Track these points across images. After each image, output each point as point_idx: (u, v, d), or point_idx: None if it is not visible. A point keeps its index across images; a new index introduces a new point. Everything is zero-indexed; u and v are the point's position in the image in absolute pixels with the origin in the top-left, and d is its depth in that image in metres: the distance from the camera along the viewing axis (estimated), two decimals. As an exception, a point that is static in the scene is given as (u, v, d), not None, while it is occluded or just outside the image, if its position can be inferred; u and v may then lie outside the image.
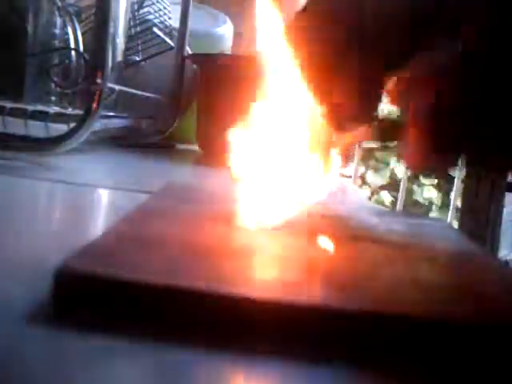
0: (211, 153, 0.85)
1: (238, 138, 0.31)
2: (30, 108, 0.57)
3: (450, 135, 0.26)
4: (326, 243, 0.30)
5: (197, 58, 0.89)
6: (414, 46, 0.26)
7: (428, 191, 2.62)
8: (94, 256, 0.23)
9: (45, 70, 0.65)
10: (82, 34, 0.69)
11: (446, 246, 0.35)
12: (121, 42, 0.77)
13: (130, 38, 0.84)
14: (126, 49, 0.82)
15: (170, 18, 0.90)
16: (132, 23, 0.86)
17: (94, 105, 0.53)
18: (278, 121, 0.32)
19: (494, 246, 1.27)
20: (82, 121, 0.54)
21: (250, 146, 0.31)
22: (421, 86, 0.27)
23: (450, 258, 0.32)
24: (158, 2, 0.89)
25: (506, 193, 1.28)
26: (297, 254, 0.28)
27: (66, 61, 0.67)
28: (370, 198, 2.32)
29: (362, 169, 2.44)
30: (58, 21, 0.67)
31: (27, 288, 0.22)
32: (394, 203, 2.46)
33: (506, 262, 1.21)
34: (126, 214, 0.31)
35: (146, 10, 0.89)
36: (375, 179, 2.65)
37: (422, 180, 2.60)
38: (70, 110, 0.66)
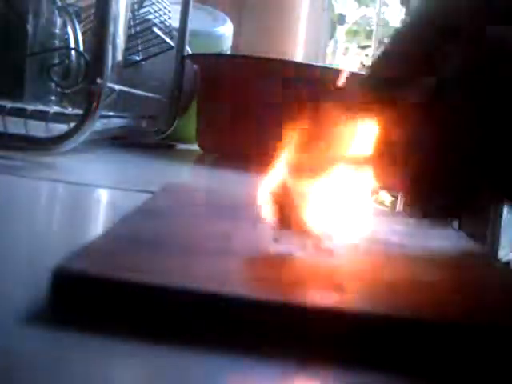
0: (211, 153, 0.86)
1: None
2: (30, 108, 0.57)
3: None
4: (325, 244, 0.30)
5: (197, 58, 0.89)
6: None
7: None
8: (93, 256, 0.23)
9: (45, 70, 0.65)
10: (82, 34, 0.69)
11: (446, 246, 0.35)
12: (121, 41, 0.77)
13: (129, 38, 0.84)
14: (126, 49, 0.82)
15: (169, 18, 0.90)
16: (132, 23, 0.86)
17: (94, 105, 0.53)
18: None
19: (494, 246, 1.27)
20: (82, 121, 0.54)
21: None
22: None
23: (450, 258, 0.32)
24: (157, 1, 0.89)
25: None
26: (296, 253, 0.28)
27: (66, 61, 0.67)
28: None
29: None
30: (58, 21, 0.67)
31: (26, 288, 0.22)
32: (393, 203, 2.46)
33: (507, 262, 1.21)
34: (126, 214, 0.31)
35: (145, 9, 0.89)
36: (375, 179, 2.64)
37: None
38: (69, 110, 0.66)
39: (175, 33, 0.90)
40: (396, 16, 2.14)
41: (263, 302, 0.20)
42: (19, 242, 0.30)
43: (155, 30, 0.88)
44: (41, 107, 0.61)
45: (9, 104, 0.56)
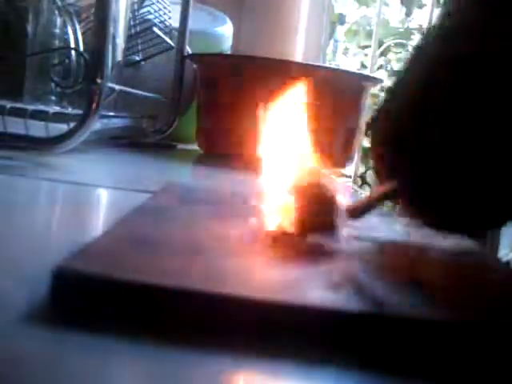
0: (211, 153, 0.85)
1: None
2: (30, 108, 0.57)
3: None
4: (325, 243, 0.30)
5: (197, 57, 0.89)
6: None
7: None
8: (93, 256, 0.23)
9: (45, 70, 0.65)
10: (82, 34, 0.69)
11: (446, 246, 0.35)
12: (121, 41, 0.77)
13: (129, 38, 0.84)
14: (126, 49, 0.82)
15: (169, 18, 0.90)
16: (132, 23, 0.86)
17: (94, 105, 0.53)
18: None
19: (494, 246, 1.27)
20: (81, 121, 0.54)
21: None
22: None
23: (451, 257, 0.32)
24: (158, 1, 0.89)
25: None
26: (296, 254, 0.28)
27: (66, 60, 0.67)
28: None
29: (361, 169, 2.44)
30: (58, 21, 0.67)
31: (26, 288, 0.22)
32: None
33: (507, 262, 1.21)
34: (126, 214, 0.31)
35: (145, 9, 0.89)
36: (375, 179, 2.65)
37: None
38: (69, 110, 0.66)
39: (175, 33, 0.90)
40: (396, 16, 2.14)
41: (263, 302, 0.20)
42: (19, 242, 0.30)
43: (155, 29, 0.88)
44: (41, 107, 0.61)
45: (9, 104, 0.56)
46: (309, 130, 0.31)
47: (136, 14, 0.88)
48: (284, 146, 0.31)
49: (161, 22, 0.89)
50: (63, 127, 0.55)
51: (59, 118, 0.59)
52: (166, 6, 0.90)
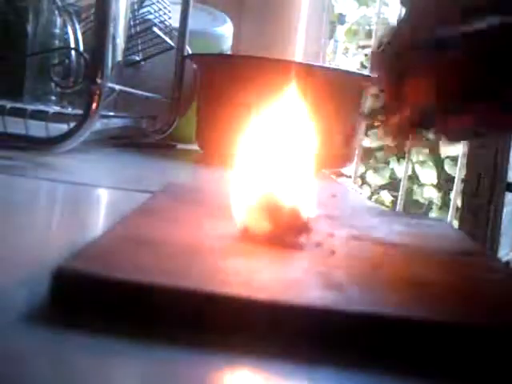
0: (211, 153, 0.85)
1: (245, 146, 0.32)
2: (30, 108, 0.57)
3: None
4: (326, 243, 0.30)
5: (197, 58, 0.89)
6: None
7: (428, 191, 2.62)
8: (93, 256, 0.23)
9: (45, 70, 0.65)
10: (82, 34, 0.69)
11: (446, 246, 0.35)
12: (121, 41, 0.77)
13: (129, 38, 0.84)
14: (126, 49, 0.82)
15: (170, 18, 0.90)
16: (132, 23, 0.86)
17: (94, 105, 0.53)
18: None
19: (494, 246, 1.27)
20: (82, 121, 0.54)
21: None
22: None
23: (451, 257, 0.32)
24: (158, 1, 0.89)
25: (506, 193, 1.28)
26: (297, 253, 0.28)
27: (66, 60, 0.67)
28: (369, 198, 2.33)
29: (361, 169, 2.44)
30: (58, 21, 0.67)
31: (26, 288, 0.22)
32: (394, 203, 2.46)
33: (507, 262, 1.21)
34: (126, 214, 0.31)
35: (145, 9, 0.89)
36: (375, 179, 2.65)
37: (422, 180, 2.60)
38: (69, 110, 0.66)
39: (175, 33, 0.90)
40: (396, 15, 2.14)
41: (263, 302, 0.20)
42: (19, 242, 0.30)
43: (155, 29, 0.88)
44: (41, 107, 0.61)
45: (9, 104, 0.56)
46: (307, 130, 0.31)
47: (136, 13, 0.88)
48: (273, 147, 0.31)
49: (161, 21, 0.89)
50: (63, 127, 0.55)
51: (59, 117, 0.59)
52: (165, 5, 0.90)
